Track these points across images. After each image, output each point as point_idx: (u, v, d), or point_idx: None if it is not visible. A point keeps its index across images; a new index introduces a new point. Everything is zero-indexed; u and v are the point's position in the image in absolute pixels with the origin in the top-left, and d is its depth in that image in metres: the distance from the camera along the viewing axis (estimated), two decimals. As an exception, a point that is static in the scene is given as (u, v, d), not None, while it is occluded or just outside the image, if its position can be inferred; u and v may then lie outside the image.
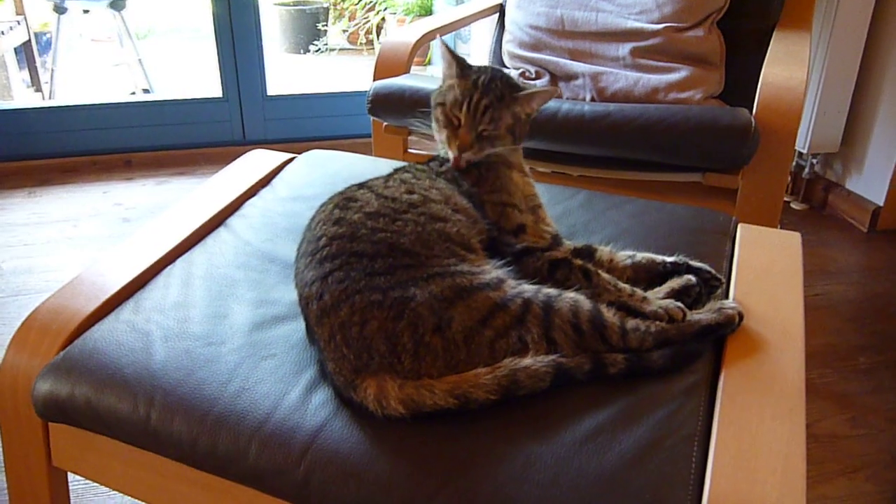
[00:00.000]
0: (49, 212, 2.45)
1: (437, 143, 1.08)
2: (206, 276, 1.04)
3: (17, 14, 3.58)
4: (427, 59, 3.92)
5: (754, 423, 0.78)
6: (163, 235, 1.14)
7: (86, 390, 0.87)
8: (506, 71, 1.17)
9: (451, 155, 1.03)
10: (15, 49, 3.47)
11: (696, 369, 0.86)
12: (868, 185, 2.39)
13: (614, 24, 1.86)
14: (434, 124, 1.07)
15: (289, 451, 0.77)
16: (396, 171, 1.05)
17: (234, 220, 1.20)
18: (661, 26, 1.79)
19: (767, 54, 1.69)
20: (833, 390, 1.64)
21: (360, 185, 1.00)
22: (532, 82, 1.92)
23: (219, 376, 0.86)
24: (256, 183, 1.32)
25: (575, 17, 1.91)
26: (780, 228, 1.22)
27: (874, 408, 1.59)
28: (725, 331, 0.90)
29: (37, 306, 0.98)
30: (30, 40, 3.54)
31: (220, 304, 0.98)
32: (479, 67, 1.07)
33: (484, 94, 1.02)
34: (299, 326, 0.91)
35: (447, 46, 1.07)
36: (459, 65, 1.06)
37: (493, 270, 0.88)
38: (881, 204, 2.33)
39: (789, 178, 2.57)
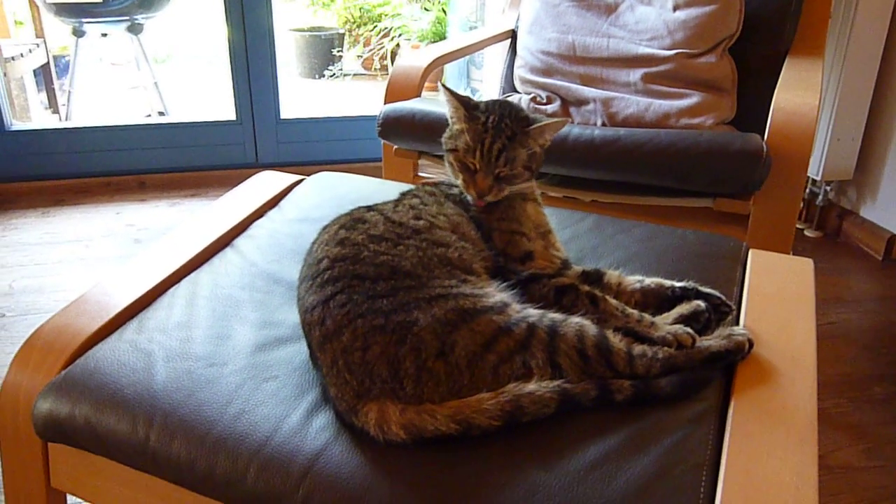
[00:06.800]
0: (62, 232, 2.47)
1: (450, 178, 1.06)
2: (211, 297, 1.04)
3: (37, 37, 3.64)
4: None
5: (764, 454, 0.76)
6: (169, 255, 1.14)
7: (85, 410, 0.86)
8: (514, 99, 1.16)
9: (470, 199, 1.02)
10: (34, 71, 3.53)
11: (704, 397, 0.84)
12: (883, 212, 2.37)
13: (626, 51, 1.86)
14: (449, 168, 1.05)
15: (287, 475, 0.76)
16: (405, 194, 1.05)
17: (240, 241, 1.20)
18: (672, 52, 1.79)
19: (779, 80, 1.68)
20: (848, 420, 1.61)
21: (370, 208, 1.00)
22: (543, 107, 1.92)
23: (219, 398, 0.85)
24: (264, 204, 1.32)
25: (586, 42, 1.91)
26: (794, 255, 1.20)
27: (890, 439, 1.56)
28: (735, 358, 0.89)
29: (41, 325, 0.98)
30: (48, 63, 3.59)
31: (224, 325, 0.98)
32: (487, 105, 1.03)
33: (496, 136, 0.99)
34: (302, 348, 0.90)
35: (449, 89, 1.04)
36: (465, 106, 1.02)
37: (497, 294, 0.87)
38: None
39: (803, 206, 2.55)
